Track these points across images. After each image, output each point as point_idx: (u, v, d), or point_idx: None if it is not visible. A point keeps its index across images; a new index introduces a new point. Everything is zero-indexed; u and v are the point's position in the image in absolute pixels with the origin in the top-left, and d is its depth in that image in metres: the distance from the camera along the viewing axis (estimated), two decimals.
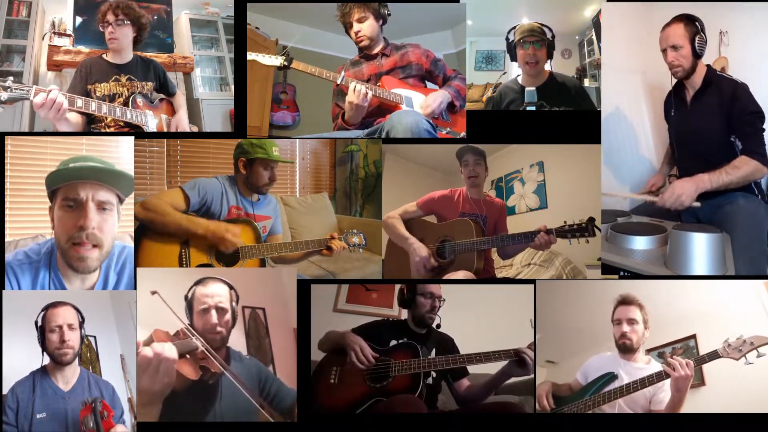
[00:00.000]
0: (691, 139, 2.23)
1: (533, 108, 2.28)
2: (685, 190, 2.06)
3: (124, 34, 2.25)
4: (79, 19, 2.46)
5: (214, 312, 1.72)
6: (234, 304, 1.78)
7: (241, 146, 2.22)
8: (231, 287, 1.79)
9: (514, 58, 2.38)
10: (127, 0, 2.23)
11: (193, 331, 1.67)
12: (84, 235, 1.69)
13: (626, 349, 1.96)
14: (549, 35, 2.34)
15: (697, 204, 2.07)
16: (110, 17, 2.21)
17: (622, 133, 2.52)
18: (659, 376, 1.82)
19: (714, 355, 1.81)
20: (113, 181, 1.74)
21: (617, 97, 2.41)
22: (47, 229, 1.80)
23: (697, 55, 2.12)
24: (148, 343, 1.58)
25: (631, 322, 1.95)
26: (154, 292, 1.70)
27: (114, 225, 1.77)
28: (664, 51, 2.16)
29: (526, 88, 2.32)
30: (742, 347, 1.78)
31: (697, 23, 2.10)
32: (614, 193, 2.34)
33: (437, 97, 2.36)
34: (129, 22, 2.24)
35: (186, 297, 1.75)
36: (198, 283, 1.77)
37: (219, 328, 1.72)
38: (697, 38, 2.09)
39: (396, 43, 2.47)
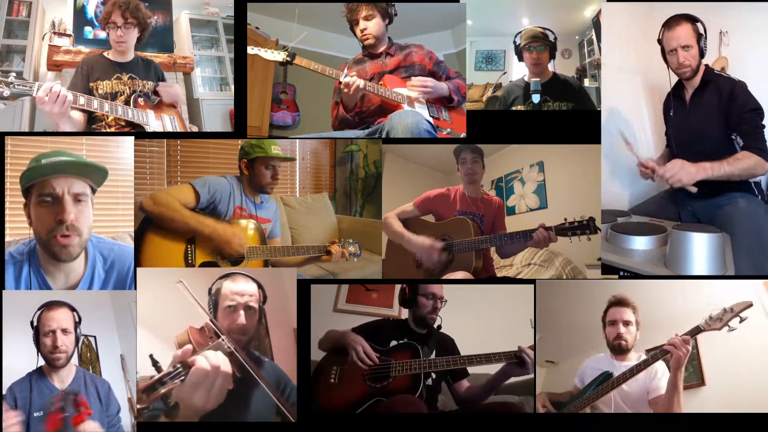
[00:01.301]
0: (690, 139, 2.23)
1: (538, 96, 2.32)
2: (685, 168, 2.04)
3: (132, 36, 2.26)
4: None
5: (242, 312, 1.64)
6: (261, 304, 1.71)
7: (242, 148, 2.24)
8: (260, 286, 1.72)
9: (521, 60, 2.44)
10: (135, 1, 2.23)
11: (222, 330, 1.56)
12: (64, 228, 1.69)
13: (620, 350, 1.96)
14: (551, 38, 2.38)
15: (694, 189, 2.06)
16: (118, 20, 2.20)
17: (623, 134, 2.52)
18: (646, 363, 1.84)
19: (696, 331, 1.82)
20: (86, 172, 1.75)
21: (617, 97, 2.41)
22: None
23: (702, 54, 2.13)
24: (184, 342, 1.48)
25: (627, 323, 1.97)
26: (179, 282, 1.60)
27: (89, 215, 1.77)
28: (672, 52, 2.15)
29: (532, 79, 2.37)
30: (723, 316, 1.79)
31: (699, 23, 2.11)
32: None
33: (433, 80, 2.39)
34: (137, 25, 2.25)
35: (210, 291, 1.68)
36: (225, 277, 1.70)
37: (246, 329, 1.64)
38: (701, 37, 2.11)
39: (400, 43, 2.47)
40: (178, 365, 1.38)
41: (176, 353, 1.44)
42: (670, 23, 2.15)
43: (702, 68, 2.17)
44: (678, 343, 1.78)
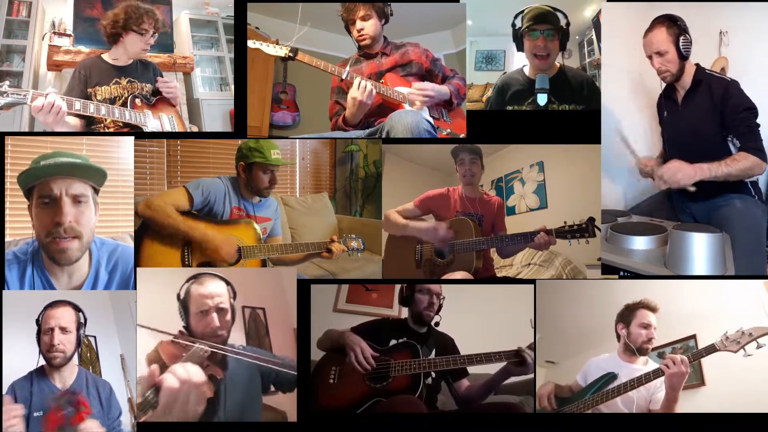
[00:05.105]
0: (684, 140, 2.22)
1: (545, 97, 2.15)
2: (683, 169, 2.03)
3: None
4: None
5: (215, 314, 1.65)
6: (233, 301, 1.73)
7: (240, 150, 2.22)
8: (228, 283, 1.73)
9: (520, 48, 2.21)
10: (148, 7, 2.23)
11: (196, 337, 1.59)
12: (62, 230, 1.69)
13: (645, 352, 1.95)
14: (563, 22, 2.14)
15: (693, 188, 2.05)
16: (149, 27, 2.20)
17: (622, 132, 2.52)
18: (656, 374, 1.82)
19: (711, 349, 1.80)
20: (85, 174, 1.74)
21: (617, 97, 2.41)
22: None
23: (683, 57, 2.08)
24: (155, 359, 1.48)
25: (654, 328, 1.95)
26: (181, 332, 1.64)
27: (91, 215, 1.76)
28: (649, 57, 2.13)
29: (539, 74, 2.19)
30: (741, 339, 1.75)
31: (679, 23, 2.05)
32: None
33: (435, 86, 2.35)
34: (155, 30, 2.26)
35: (179, 296, 1.69)
36: (192, 280, 1.71)
37: (221, 331, 1.66)
38: (681, 39, 2.04)
39: (395, 42, 2.47)
40: (148, 393, 1.37)
41: (143, 375, 1.44)
42: (646, 30, 2.09)
43: (692, 69, 2.13)
44: (671, 363, 1.75)
